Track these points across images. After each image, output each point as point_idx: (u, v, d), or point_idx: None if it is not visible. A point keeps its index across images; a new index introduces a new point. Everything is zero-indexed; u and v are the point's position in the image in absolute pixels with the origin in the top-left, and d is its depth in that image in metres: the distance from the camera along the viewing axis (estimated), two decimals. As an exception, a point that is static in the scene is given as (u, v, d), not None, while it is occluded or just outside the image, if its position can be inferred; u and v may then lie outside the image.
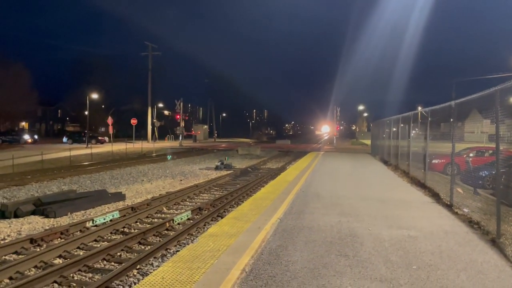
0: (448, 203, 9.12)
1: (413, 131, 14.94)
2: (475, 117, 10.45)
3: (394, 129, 19.60)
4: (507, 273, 4.76)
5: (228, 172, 20.93)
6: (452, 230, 6.83)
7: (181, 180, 18.19)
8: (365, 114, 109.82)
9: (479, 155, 14.87)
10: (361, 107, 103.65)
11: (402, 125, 17.32)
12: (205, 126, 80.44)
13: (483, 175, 11.24)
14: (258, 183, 16.56)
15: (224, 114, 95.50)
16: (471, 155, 14.69)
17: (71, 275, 6.38)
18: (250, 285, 4.35)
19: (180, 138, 51.27)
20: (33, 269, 6.65)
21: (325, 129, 74.02)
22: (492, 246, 5.90)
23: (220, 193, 14.42)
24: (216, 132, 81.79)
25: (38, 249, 7.61)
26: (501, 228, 6.15)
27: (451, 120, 9.55)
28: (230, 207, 11.66)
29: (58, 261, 7.11)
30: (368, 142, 46.74)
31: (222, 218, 9.00)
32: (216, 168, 22.54)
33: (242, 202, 11.45)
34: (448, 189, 9.45)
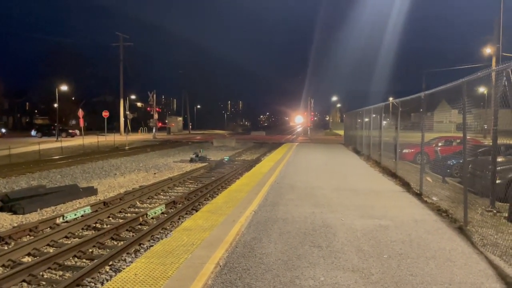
0: (418, 192, 9.35)
1: (385, 122, 15.22)
2: (444, 107, 10.72)
3: (366, 119, 19.92)
4: (474, 260, 4.92)
5: (203, 164, 20.82)
6: (421, 219, 7.01)
7: (155, 174, 17.97)
8: (339, 105, 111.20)
9: (447, 144, 15.31)
10: (334, 98, 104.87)
11: (374, 115, 17.60)
12: (180, 118, 79.61)
13: (451, 164, 11.60)
14: (233, 175, 16.55)
15: (198, 106, 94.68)
16: (439, 144, 15.10)
17: (41, 273, 6.22)
18: (224, 279, 4.35)
19: (154, 130, 50.61)
20: (0, 268, 6.45)
21: (299, 119, 74.57)
22: (459, 233, 6.09)
23: (195, 186, 14.34)
24: (190, 124, 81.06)
25: (6, 247, 7.38)
26: (468, 216, 6.37)
27: (421, 110, 9.77)
28: (205, 200, 11.61)
29: (27, 259, 6.92)
30: (341, 132, 47.34)
31: (196, 211, 8.96)
32: (191, 160, 22.37)
33: (217, 194, 11.42)
34: (418, 178, 9.68)
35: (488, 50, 28.74)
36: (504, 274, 4.47)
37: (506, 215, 6.71)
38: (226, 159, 22.28)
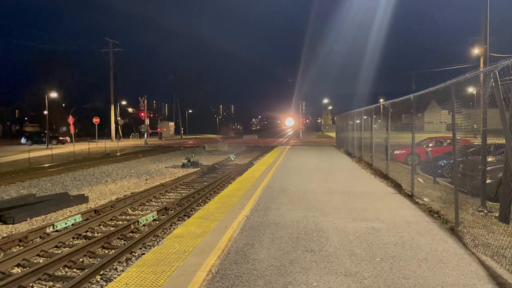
0: (410, 193, 9.38)
1: (375, 124, 15.28)
2: (434, 108, 10.79)
3: (358, 121, 19.99)
4: (466, 261, 4.93)
5: (195, 169, 20.73)
6: (413, 220, 7.02)
7: (146, 180, 17.85)
8: (330, 107, 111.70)
9: (438, 144, 15.39)
10: (325, 101, 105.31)
11: (365, 117, 17.67)
12: (171, 123, 79.32)
13: (442, 164, 11.65)
14: (226, 180, 16.49)
15: (190, 111, 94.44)
16: (430, 145, 15.18)
17: (31, 284, 6.12)
18: (216, 287, 4.30)
19: (145, 136, 50.35)
20: (-11, 280, 6.34)
21: (289, 122, 74.59)
22: (451, 234, 6.11)
23: (187, 191, 14.26)
24: (182, 128, 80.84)
25: (-5, 259, 7.26)
26: (459, 216, 6.38)
27: (411, 111, 9.81)
28: (197, 206, 11.54)
29: (17, 270, 6.82)
30: (333, 134, 47.54)
31: (189, 217, 8.90)
32: (183, 166, 22.28)
33: (209, 200, 11.37)
34: (409, 180, 9.72)
35: (476, 51, 29.01)
36: (495, 274, 4.48)
37: (497, 214, 6.74)
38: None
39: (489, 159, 8.56)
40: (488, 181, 7.63)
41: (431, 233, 6.21)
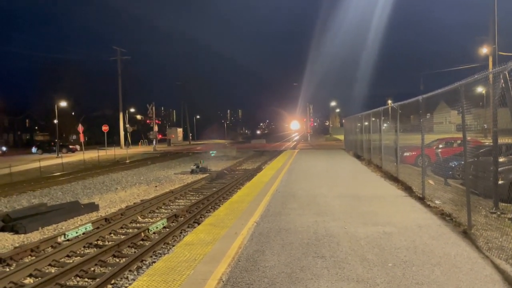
0: (421, 195, 9.28)
1: (384, 125, 15.15)
2: (443, 109, 10.69)
3: (366, 123, 19.86)
4: (480, 265, 4.85)
5: (204, 175, 20.76)
6: (425, 224, 6.94)
7: (156, 187, 17.91)
8: (338, 110, 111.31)
9: (448, 145, 15.22)
10: (333, 103, 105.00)
11: (373, 119, 17.55)
12: (180, 129, 79.61)
13: (453, 165, 11.51)
14: (235, 185, 16.48)
15: (198, 116, 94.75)
16: (440, 146, 15.02)
17: (43, 294, 6.15)
18: (227, 295, 4.28)
19: (154, 142, 50.62)
20: (2, 291, 6.39)
21: (295, 126, 74.41)
22: (464, 238, 6.02)
23: (196, 198, 14.27)
24: (190, 134, 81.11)
25: (8, 269, 7.31)
26: (472, 219, 6.29)
27: (420, 111, 9.73)
28: (206, 212, 11.54)
29: (29, 280, 6.85)
30: (342, 137, 47.24)
31: (198, 224, 8.91)
32: (192, 172, 22.33)
33: (219, 206, 11.36)
34: (419, 182, 9.61)
35: (484, 50, 28.76)
36: (511, 278, 4.39)
37: (510, 216, 6.63)
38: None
39: (501, 159, 8.44)
40: (500, 182, 7.51)
41: (444, 237, 6.13)
